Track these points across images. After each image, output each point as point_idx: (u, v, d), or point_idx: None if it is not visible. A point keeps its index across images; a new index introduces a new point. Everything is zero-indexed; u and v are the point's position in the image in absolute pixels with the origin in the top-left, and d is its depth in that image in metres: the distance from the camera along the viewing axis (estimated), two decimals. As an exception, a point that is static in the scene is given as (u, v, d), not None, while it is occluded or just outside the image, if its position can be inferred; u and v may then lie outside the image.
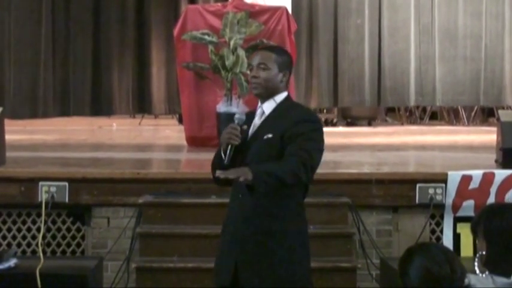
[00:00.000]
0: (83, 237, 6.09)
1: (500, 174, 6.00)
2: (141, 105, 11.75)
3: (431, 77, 11.70)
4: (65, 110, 11.53)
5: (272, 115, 3.81)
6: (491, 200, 5.89)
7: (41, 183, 5.94)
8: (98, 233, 6.02)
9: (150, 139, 10.03)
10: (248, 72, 4.03)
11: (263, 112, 3.83)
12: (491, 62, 11.72)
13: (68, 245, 6.08)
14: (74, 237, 6.09)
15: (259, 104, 3.87)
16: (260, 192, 3.57)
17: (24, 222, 6.08)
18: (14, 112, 10.95)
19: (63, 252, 6.07)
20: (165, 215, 5.88)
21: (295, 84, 8.81)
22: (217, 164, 3.79)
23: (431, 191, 5.97)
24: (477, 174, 5.98)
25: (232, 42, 7.73)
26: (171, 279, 5.56)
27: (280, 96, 3.84)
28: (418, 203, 6.01)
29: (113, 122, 11.78)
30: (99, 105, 11.61)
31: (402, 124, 12.51)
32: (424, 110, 12.87)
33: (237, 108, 7.31)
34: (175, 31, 8.16)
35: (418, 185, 5.99)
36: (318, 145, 3.75)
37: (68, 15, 11.55)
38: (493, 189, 5.94)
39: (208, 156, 4.10)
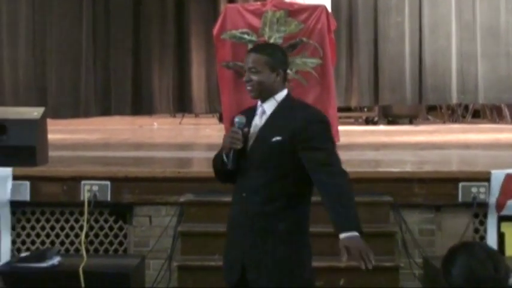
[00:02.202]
0: (125, 236, 6.12)
1: (545, 172, 5.92)
2: (182, 104, 11.78)
3: (473, 75, 11.56)
4: (106, 109, 11.62)
5: (274, 115, 3.76)
6: (536, 198, 5.82)
7: (83, 182, 5.98)
8: (139, 232, 6.05)
9: (191, 138, 10.06)
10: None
11: (264, 112, 3.79)
12: (535, 59, 11.56)
13: (111, 243, 6.13)
14: (116, 236, 6.13)
15: (259, 103, 3.83)
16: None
17: (67, 221, 6.13)
18: (56, 112, 11.08)
19: (106, 250, 6.11)
20: (207, 213, 5.89)
21: (335, 82, 8.76)
22: (221, 169, 3.80)
23: (474, 189, 5.90)
24: (521, 172, 5.91)
25: (271, 41, 7.72)
26: (212, 278, 5.55)
27: (281, 95, 3.78)
28: (461, 201, 5.94)
29: (154, 121, 11.85)
30: (140, 105, 11.66)
31: (444, 122, 12.39)
32: (466, 108, 12.73)
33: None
34: (215, 30, 8.17)
35: (460, 184, 5.93)
36: (334, 144, 3.74)
37: (108, 15, 11.63)
38: (537, 188, 5.86)
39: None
